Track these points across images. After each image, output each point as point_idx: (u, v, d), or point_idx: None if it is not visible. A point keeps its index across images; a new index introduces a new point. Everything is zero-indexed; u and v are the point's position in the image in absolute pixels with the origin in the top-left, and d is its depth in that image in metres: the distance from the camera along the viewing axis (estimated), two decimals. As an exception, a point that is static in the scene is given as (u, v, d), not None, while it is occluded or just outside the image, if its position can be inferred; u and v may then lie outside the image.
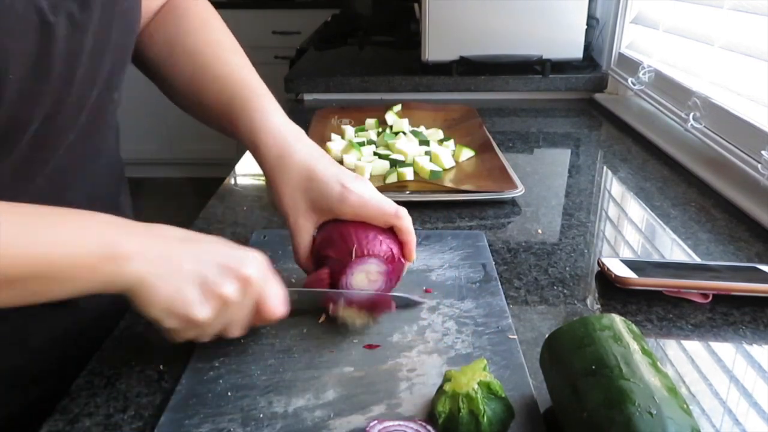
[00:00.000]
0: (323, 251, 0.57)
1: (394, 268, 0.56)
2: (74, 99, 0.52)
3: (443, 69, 1.42)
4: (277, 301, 0.51)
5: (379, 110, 1.18)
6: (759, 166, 0.81)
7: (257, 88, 0.61)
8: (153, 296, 0.46)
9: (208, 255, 0.48)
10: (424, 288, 0.62)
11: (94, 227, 0.46)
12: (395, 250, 0.56)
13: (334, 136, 1.04)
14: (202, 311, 0.47)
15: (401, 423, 0.43)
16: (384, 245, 0.56)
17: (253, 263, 0.49)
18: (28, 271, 0.43)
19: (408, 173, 0.88)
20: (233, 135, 0.61)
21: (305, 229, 0.57)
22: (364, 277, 0.55)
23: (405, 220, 0.57)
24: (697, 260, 0.70)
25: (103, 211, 0.48)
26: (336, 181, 0.56)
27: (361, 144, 0.99)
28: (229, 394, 0.48)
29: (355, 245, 0.54)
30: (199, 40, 0.64)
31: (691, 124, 1.00)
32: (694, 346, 0.55)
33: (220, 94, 0.61)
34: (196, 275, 0.47)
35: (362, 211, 0.56)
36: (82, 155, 0.58)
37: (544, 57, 1.40)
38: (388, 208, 0.56)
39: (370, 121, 1.11)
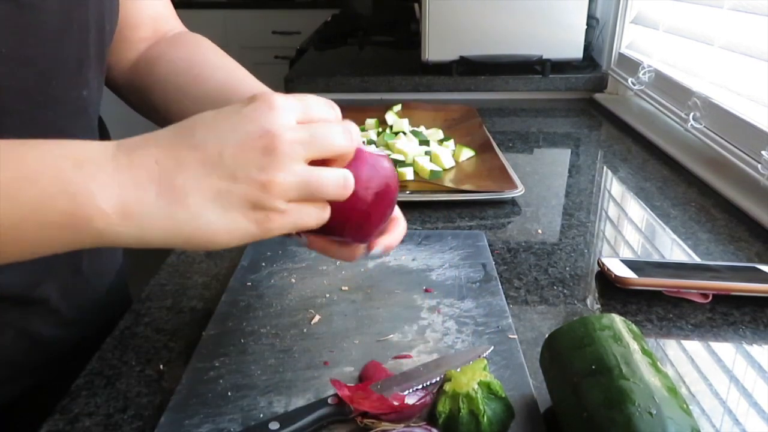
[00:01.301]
0: None
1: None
2: (30, 89, 0.49)
3: (443, 69, 1.42)
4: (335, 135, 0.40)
5: (379, 110, 1.18)
6: (759, 166, 0.81)
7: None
8: (199, 242, 0.38)
9: (212, 143, 0.37)
10: (424, 287, 0.62)
11: (53, 171, 0.36)
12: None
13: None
14: (274, 203, 0.37)
15: (405, 430, 0.43)
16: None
17: (278, 113, 0.38)
18: None
19: (408, 173, 0.88)
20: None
21: None
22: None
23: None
24: (697, 260, 0.70)
25: None
26: None
27: (361, 144, 0.99)
28: (229, 394, 0.48)
29: None
30: (219, 55, 0.64)
31: (691, 124, 1.00)
32: (694, 346, 0.55)
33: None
34: (214, 184, 0.37)
35: None
36: None
37: (544, 57, 1.40)
38: None
39: (370, 121, 1.11)
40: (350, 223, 0.44)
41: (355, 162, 0.43)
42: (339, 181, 0.40)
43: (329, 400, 0.45)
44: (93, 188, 0.36)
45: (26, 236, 0.36)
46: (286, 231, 0.40)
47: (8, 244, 0.36)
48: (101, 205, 0.36)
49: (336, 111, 0.42)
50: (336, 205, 0.42)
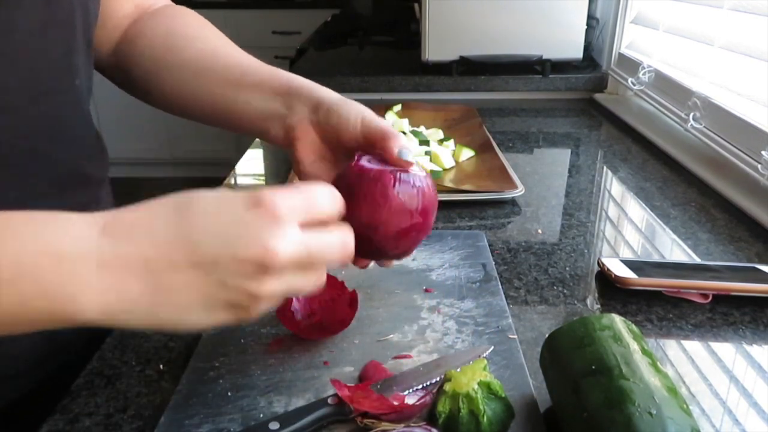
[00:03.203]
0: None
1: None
2: (21, 84, 0.48)
3: (443, 69, 1.42)
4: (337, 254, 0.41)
5: (379, 110, 1.18)
6: (759, 166, 0.81)
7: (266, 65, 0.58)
8: (172, 326, 0.38)
9: (209, 251, 0.36)
10: (425, 287, 0.62)
11: (32, 271, 0.34)
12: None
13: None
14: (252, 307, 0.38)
15: (405, 430, 0.43)
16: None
17: (280, 227, 0.37)
18: None
19: (408, 173, 0.88)
20: (244, 113, 0.55)
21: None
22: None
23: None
24: (697, 260, 0.70)
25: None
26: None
27: (361, 144, 0.99)
28: (229, 394, 0.48)
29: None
30: (199, 25, 0.63)
31: (691, 124, 1.00)
32: (694, 346, 0.55)
33: (230, 73, 0.57)
34: (203, 289, 0.37)
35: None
36: (46, 151, 0.53)
37: (544, 57, 1.40)
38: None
39: (370, 121, 1.11)
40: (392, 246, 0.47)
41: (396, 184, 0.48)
42: (316, 282, 0.41)
43: (329, 400, 0.45)
44: (73, 291, 0.35)
45: (3, 329, 0.36)
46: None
47: None
48: (82, 307, 0.35)
49: (340, 204, 0.42)
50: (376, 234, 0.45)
